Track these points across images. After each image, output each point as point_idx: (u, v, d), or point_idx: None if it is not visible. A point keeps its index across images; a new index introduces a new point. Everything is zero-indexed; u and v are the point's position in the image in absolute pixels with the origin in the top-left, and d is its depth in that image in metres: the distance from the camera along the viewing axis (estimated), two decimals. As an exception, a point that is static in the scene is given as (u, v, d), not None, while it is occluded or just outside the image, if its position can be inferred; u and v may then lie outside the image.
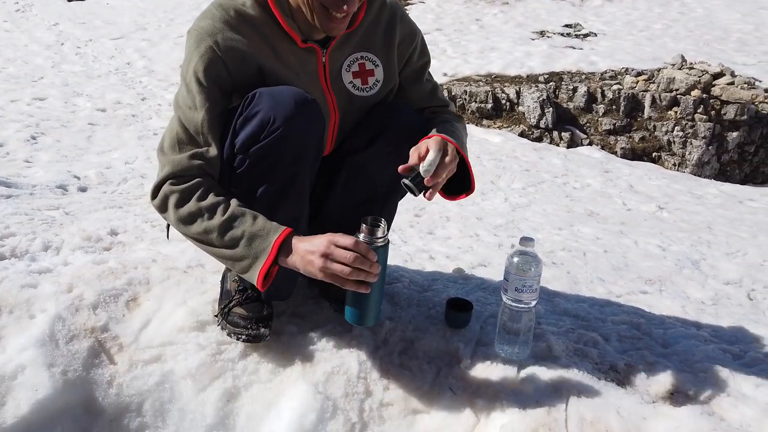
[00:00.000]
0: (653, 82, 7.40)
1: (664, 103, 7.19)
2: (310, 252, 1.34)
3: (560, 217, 4.11)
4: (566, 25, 9.85)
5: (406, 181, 1.44)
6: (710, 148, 7.04)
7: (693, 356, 1.74)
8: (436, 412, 1.49)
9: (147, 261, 1.92)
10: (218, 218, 1.40)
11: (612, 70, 7.90)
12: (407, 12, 1.72)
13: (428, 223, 3.42)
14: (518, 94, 7.40)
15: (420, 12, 10.13)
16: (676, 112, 7.15)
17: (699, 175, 6.89)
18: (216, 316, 1.67)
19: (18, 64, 6.81)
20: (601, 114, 7.28)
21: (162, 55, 7.96)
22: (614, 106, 7.30)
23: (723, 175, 7.10)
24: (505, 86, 7.57)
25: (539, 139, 7.08)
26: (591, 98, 7.35)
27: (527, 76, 7.82)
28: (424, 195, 1.45)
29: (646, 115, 7.24)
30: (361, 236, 1.38)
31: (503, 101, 7.41)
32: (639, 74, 7.62)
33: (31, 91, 5.67)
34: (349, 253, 1.31)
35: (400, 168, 1.43)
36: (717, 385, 1.57)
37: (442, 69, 7.57)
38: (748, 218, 4.79)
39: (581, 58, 8.32)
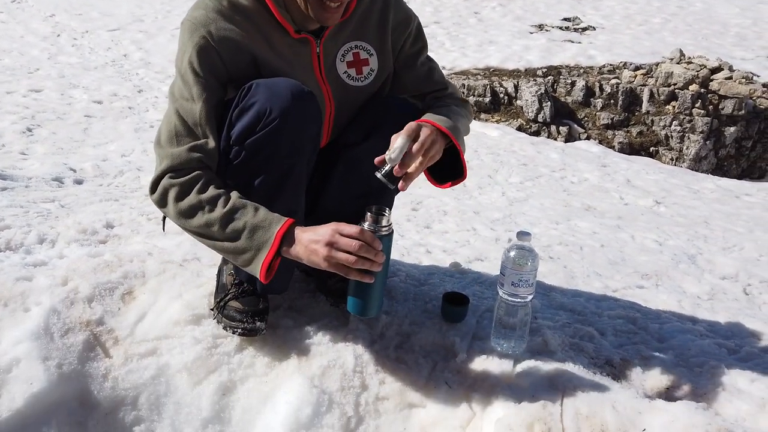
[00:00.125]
0: (651, 77, 7.39)
1: (662, 97, 7.19)
2: (314, 241, 1.33)
3: (557, 211, 4.11)
4: (565, 19, 9.82)
5: (378, 174, 1.41)
6: (708, 142, 7.05)
7: (689, 351, 1.74)
8: (432, 406, 1.49)
9: (143, 254, 1.91)
10: (219, 210, 1.39)
11: (610, 64, 7.89)
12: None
13: (425, 217, 3.42)
14: (516, 87, 7.39)
15: (418, 5, 10.10)
16: (674, 106, 7.15)
17: (696, 170, 6.89)
18: (212, 309, 1.66)
19: (14, 55, 6.77)
20: (599, 108, 7.27)
21: (159, 47, 7.92)
22: (612, 101, 7.29)
23: (720, 170, 7.10)
24: (503, 80, 7.55)
25: (537, 133, 7.08)
26: (589, 92, 7.34)
27: (525, 70, 7.80)
28: (398, 186, 1.42)
29: (644, 110, 7.23)
30: (366, 225, 1.37)
31: (501, 95, 7.40)
32: (637, 68, 7.61)
33: (27, 82, 5.64)
34: (355, 242, 1.31)
35: (376, 160, 1.41)
36: (712, 380, 1.57)
37: (440, 62, 7.45)
38: (745, 213, 4.80)
39: (580, 52, 8.30)
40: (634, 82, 7.36)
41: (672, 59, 7.59)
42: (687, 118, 7.07)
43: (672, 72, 7.22)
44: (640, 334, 1.85)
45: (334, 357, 1.57)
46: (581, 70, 7.79)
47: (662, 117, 7.13)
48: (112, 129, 4.69)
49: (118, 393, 1.50)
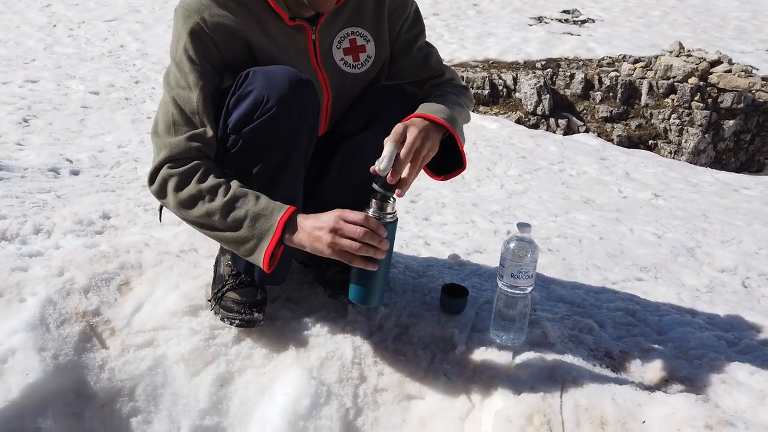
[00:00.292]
0: (650, 69, 7.38)
1: (661, 90, 7.17)
2: (318, 228, 1.31)
3: (556, 204, 4.10)
4: (564, 11, 9.79)
5: (376, 186, 1.36)
6: (706, 136, 7.04)
7: (688, 343, 1.74)
8: (431, 397, 1.48)
9: (139, 245, 1.90)
10: (220, 200, 1.37)
11: (609, 57, 7.87)
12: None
13: (424, 209, 3.41)
14: (515, 80, 7.36)
15: (417, -4, 10.04)
16: (673, 99, 7.14)
17: (695, 163, 6.89)
18: (209, 300, 1.65)
19: (10, 45, 6.72)
20: (598, 101, 7.26)
21: (156, 38, 7.87)
22: (611, 93, 7.28)
23: (719, 163, 7.10)
24: (502, 72, 7.53)
25: (536, 126, 7.06)
26: (588, 85, 7.33)
27: (524, 63, 7.78)
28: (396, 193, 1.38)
29: (642, 103, 7.22)
30: (370, 212, 1.35)
31: (500, 87, 7.37)
32: (636, 61, 7.59)
33: (23, 73, 5.60)
34: (359, 228, 1.29)
35: (371, 169, 1.36)
36: (712, 372, 1.57)
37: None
38: (744, 206, 4.80)
39: (579, 44, 8.28)
40: (633, 75, 7.35)
41: (671, 52, 7.57)
42: (686, 111, 7.06)
43: (671, 65, 7.20)
44: (639, 327, 1.84)
45: (332, 348, 1.56)
46: (580, 63, 7.77)
47: (661, 110, 7.12)
48: (108, 120, 4.67)
49: (115, 384, 1.49)
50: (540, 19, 9.43)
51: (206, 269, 1.77)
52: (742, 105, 7.06)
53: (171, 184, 1.40)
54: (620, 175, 5.37)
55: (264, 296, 1.62)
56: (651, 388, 1.50)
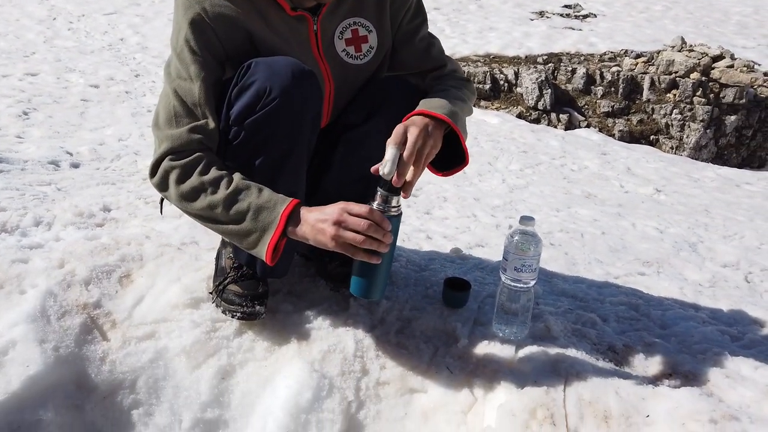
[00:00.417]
0: (652, 65, 7.35)
1: (663, 85, 7.15)
2: (321, 220, 1.30)
3: (558, 198, 4.09)
4: (566, 6, 9.75)
5: (382, 191, 1.35)
6: (708, 131, 7.02)
7: (691, 337, 1.73)
8: (434, 391, 1.48)
9: (140, 237, 1.89)
10: (222, 192, 1.36)
11: (611, 52, 7.83)
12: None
13: (425, 203, 3.40)
14: (516, 75, 7.34)
15: (418, -9, 9.99)
16: (674, 95, 7.11)
17: (696, 159, 6.87)
18: (210, 293, 1.64)
19: (9, 38, 6.69)
20: (599, 96, 7.23)
21: (156, 32, 7.84)
22: (613, 89, 7.25)
23: (720, 158, 7.08)
24: (503, 67, 7.50)
25: (537, 121, 7.04)
26: (590, 80, 7.30)
27: (526, 57, 7.75)
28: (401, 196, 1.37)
29: (644, 98, 7.19)
30: (375, 204, 1.34)
31: (501, 82, 7.35)
32: (638, 56, 7.56)
33: (23, 66, 5.58)
34: (363, 221, 1.28)
35: (372, 169, 1.35)
36: (715, 367, 1.56)
37: (440, 49, 7.45)
38: (745, 202, 4.79)
39: (580, 39, 8.24)
40: (635, 70, 7.32)
41: (673, 47, 7.54)
42: (688, 106, 7.04)
43: (673, 60, 7.17)
44: (642, 321, 1.83)
45: (334, 342, 1.55)
46: (582, 58, 7.74)
47: (663, 105, 7.10)
48: (108, 113, 4.65)
49: (116, 376, 1.48)
50: (541, 13, 9.39)
51: (207, 262, 1.76)
52: (744, 100, 7.04)
53: (173, 177, 1.39)
54: (622, 170, 5.36)
55: (266, 289, 1.61)
56: (655, 383, 1.49)
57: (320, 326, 1.60)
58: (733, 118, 7.07)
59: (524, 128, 6.45)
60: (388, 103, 1.56)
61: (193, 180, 1.37)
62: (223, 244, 1.69)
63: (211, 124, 1.41)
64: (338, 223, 1.29)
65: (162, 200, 1.65)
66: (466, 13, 9.34)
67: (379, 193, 1.35)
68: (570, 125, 7.04)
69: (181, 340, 1.54)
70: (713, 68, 7.17)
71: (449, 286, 1.74)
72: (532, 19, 9.12)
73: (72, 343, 1.50)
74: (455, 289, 1.74)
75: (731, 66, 7.18)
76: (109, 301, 1.62)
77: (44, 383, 1.42)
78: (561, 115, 7.07)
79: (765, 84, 7.18)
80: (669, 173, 5.51)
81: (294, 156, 1.45)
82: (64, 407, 1.42)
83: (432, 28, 1.70)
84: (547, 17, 9.24)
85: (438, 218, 3.15)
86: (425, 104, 1.46)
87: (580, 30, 8.65)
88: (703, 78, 7.06)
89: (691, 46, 7.55)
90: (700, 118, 6.98)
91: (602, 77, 7.28)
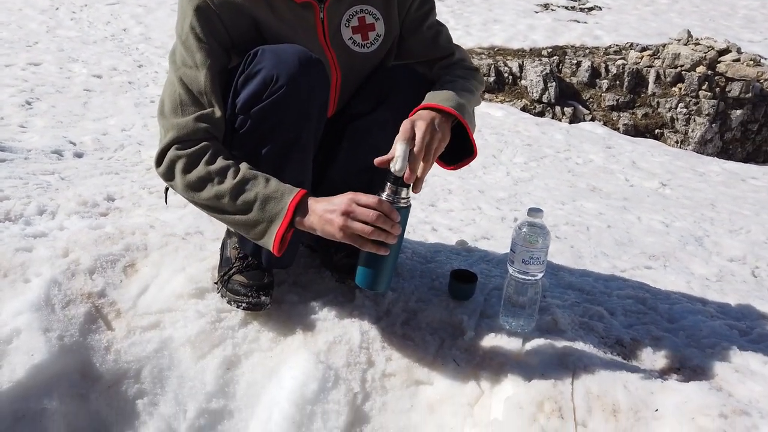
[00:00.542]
0: (658, 58, 7.30)
1: (668, 79, 7.10)
2: (329, 211, 1.29)
3: (563, 191, 4.07)
4: (571, -2, 9.68)
5: (391, 182, 1.33)
6: (713, 125, 6.98)
7: (700, 332, 1.72)
8: (440, 383, 1.47)
9: (145, 227, 1.87)
10: (229, 182, 1.34)
11: (616, 45, 7.79)
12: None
13: (430, 195, 3.38)
14: (521, 67, 7.30)
15: (423, -18, 9.94)
16: (680, 88, 7.07)
17: (701, 153, 6.84)
18: (216, 283, 1.63)
19: (12, 28, 6.66)
20: (604, 89, 7.20)
21: (159, 22, 7.81)
22: (618, 82, 7.21)
23: (725, 153, 7.05)
24: (507, 59, 7.46)
25: (541, 114, 7.01)
26: (594, 73, 7.26)
27: (530, 50, 7.71)
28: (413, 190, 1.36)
29: (649, 92, 7.16)
30: (384, 195, 1.33)
31: (506, 75, 7.31)
32: (644, 49, 7.51)
33: (26, 56, 5.56)
34: (372, 212, 1.27)
35: (376, 161, 1.33)
36: (724, 361, 1.55)
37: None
38: (751, 196, 4.76)
39: (585, 32, 8.19)
40: (641, 64, 7.28)
41: (679, 40, 7.49)
42: (693, 100, 7.00)
43: (679, 53, 7.13)
44: (649, 315, 1.82)
45: (340, 333, 1.54)
46: (587, 51, 7.69)
47: (668, 99, 7.06)
48: (111, 103, 4.63)
49: (121, 366, 1.47)
50: (546, 6, 9.33)
51: (212, 252, 1.75)
52: (750, 95, 6.99)
53: (179, 166, 1.37)
54: (627, 163, 5.33)
55: (271, 280, 1.59)
56: (663, 377, 1.48)
57: (326, 317, 1.59)
58: (738, 112, 7.03)
59: (528, 121, 6.43)
60: (395, 92, 1.54)
61: (200, 169, 1.36)
62: (228, 234, 1.68)
63: (218, 113, 1.39)
64: (347, 214, 1.27)
65: (166, 190, 1.64)
66: (470, 5, 9.29)
67: (388, 184, 1.33)
68: (574, 118, 7.01)
69: (186, 330, 1.53)
70: (719, 62, 7.13)
71: (456, 278, 1.73)
72: (536, 12, 9.07)
73: (76, 332, 1.49)
74: (462, 281, 1.72)
75: (737, 60, 7.13)
76: (114, 291, 1.61)
77: (49, 372, 1.41)
78: (565, 108, 7.04)
79: (771, 78, 7.14)
80: (674, 167, 5.49)
81: (300, 145, 1.44)
82: (68, 396, 1.41)
83: (436, 21, 1.67)
84: (552, 10, 9.19)
85: (443, 210, 3.14)
86: (432, 97, 1.44)
87: (585, 23, 8.60)
88: (709, 72, 7.02)
89: (697, 39, 7.50)
90: (706, 112, 6.95)
91: (607, 70, 7.24)
